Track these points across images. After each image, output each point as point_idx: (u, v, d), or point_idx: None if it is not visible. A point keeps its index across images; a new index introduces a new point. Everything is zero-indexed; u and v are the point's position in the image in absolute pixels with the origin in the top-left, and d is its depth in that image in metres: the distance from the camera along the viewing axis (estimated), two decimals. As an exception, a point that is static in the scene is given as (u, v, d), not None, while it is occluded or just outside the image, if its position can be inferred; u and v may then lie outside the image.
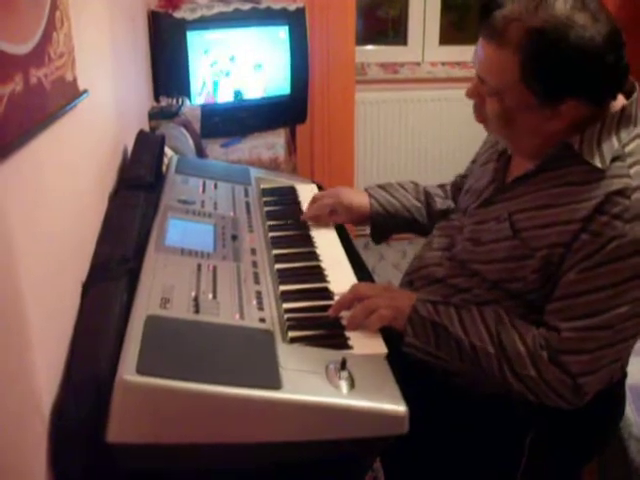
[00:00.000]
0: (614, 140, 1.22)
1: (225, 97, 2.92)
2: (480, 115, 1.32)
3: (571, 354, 1.19)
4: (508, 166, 1.40)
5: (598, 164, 1.20)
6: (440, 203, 1.68)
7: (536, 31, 1.16)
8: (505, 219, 1.30)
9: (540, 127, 1.24)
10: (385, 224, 1.68)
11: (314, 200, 1.72)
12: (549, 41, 1.16)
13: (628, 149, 1.22)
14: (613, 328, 1.19)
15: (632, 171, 1.19)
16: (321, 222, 1.67)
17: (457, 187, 1.68)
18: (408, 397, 1.06)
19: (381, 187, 1.70)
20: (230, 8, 2.88)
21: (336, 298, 1.33)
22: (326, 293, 1.35)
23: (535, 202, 1.27)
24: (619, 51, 1.18)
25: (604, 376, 1.24)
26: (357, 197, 1.68)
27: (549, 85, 1.19)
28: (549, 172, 1.27)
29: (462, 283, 1.37)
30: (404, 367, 1.16)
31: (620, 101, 1.26)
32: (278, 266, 1.42)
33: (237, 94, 2.94)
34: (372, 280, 1.52)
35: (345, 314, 1.28)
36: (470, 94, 1.31)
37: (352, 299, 1.28)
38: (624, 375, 1.42)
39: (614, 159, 1.21)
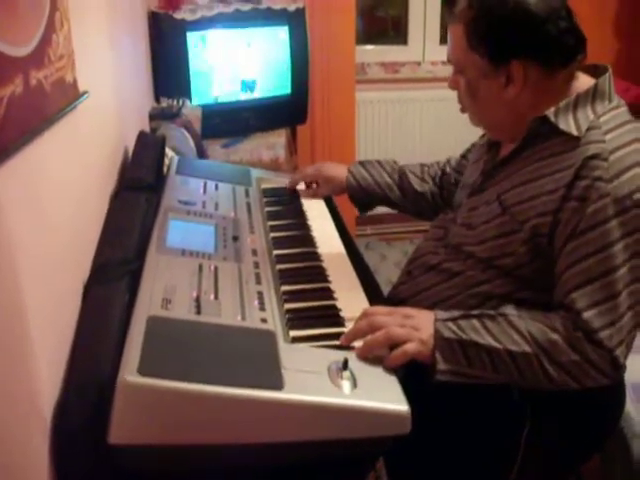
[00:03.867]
0: (589, 111, 1.30)
1: (226, 98, 2.92)
2: (462, 104, 1.43)
3: (601, 330, 1.20)
4: (497, 157, 1.46)
5: (574, 132, 1.27)
6: (417, 184, 1.78)
7: None
8: (494, 200, 1.36)
9: (500, 96, 1.32)
10: (360, 197, 1.82)
11: (298, 172, 1.92)
12: (485, 4, 1.28)
13: (603, 119, 1.29)
14: (621, 294, 1.21)
15: (607, 137, 1.25)
16: (308, 195, 1.85)
17: (443, 172, 1.79)
18: (408, 396, 1.06)
19: (361, 163, 1.84)
20: (230, 9, 2.88)
21: (336, 296, 1.33)
22: (327, 293, 1.35)
23: (519, 179, 1.33)
24: (557, 14, 1.26)
25: (629, 343, 1.25)
26: (337, 170, 1.85)
27: (491, 46, 1.29)
28: (531, 149, 1.34)
29: (455, 267, 1.41)
30: (404, 366, 1.16)
31: (588, 80, 1.33)
32: (279, 266, 1.42)
33: (238, 95, 2.94)
34: (374, 280, 1.52)
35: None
36: (450, 83, 1.42)
37: (368, 330, 1.19)
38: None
39: (589, 129, 1.27)
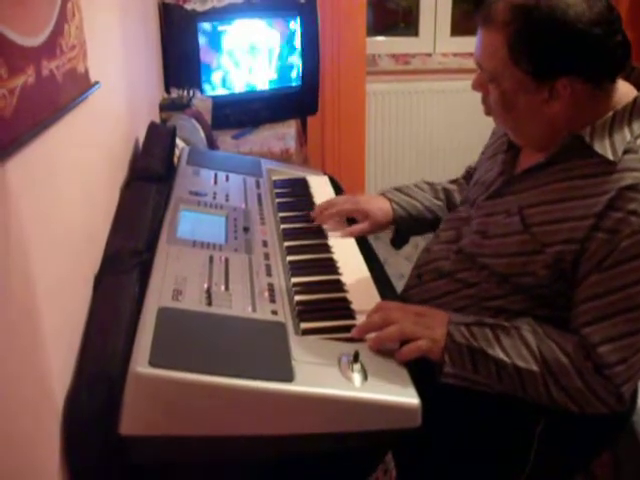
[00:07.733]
0: (626, 132, 1.20)
1: (236, 88, 2.92)
2: (487, 107, 1.32)
3: (613, 366, 1.17)
4: (517, 158, 1.38)
5: (610, 156, 1.18)
6: (459, 199, 1.66)
7: (519, 7, 1.17)
8: (515, 213, 1.28)
9: (540, 110, 1.23)
10: (409, 227, 1.66)
11: (331, 205, 1.66)
12: (533, 17, 1.16)
13: None
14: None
15: None
16: (347, 234, 1.59)
17: (469, 179, 1.66)
18: (418, 389, 1.05)
19: (398, 190, 1.67)
20: (241, -1, 2.87)
21: (346, 289, 1.33)
22: (338, 285, 1.34)
23: (546, 196, 1.25)
24: (612, 27, 1.16)
25: (637, 379, 1.23)
26: (376, 202, 1.65)
27: (538, 63, 1.18)
28: (559, 164, 1.25)
29: (470, 277, 1.35)
30: (415, 360, 1.16)
31: (630, 91, 1.25)
32: (290, 258, 1.42)
33: (248, 85, 2.94)
34: (384, 273, 1.51)
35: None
36: (474, 85, 1.32)
37: (381, 324, 1.18)
38: None
39: (626, 151, 1.19)
